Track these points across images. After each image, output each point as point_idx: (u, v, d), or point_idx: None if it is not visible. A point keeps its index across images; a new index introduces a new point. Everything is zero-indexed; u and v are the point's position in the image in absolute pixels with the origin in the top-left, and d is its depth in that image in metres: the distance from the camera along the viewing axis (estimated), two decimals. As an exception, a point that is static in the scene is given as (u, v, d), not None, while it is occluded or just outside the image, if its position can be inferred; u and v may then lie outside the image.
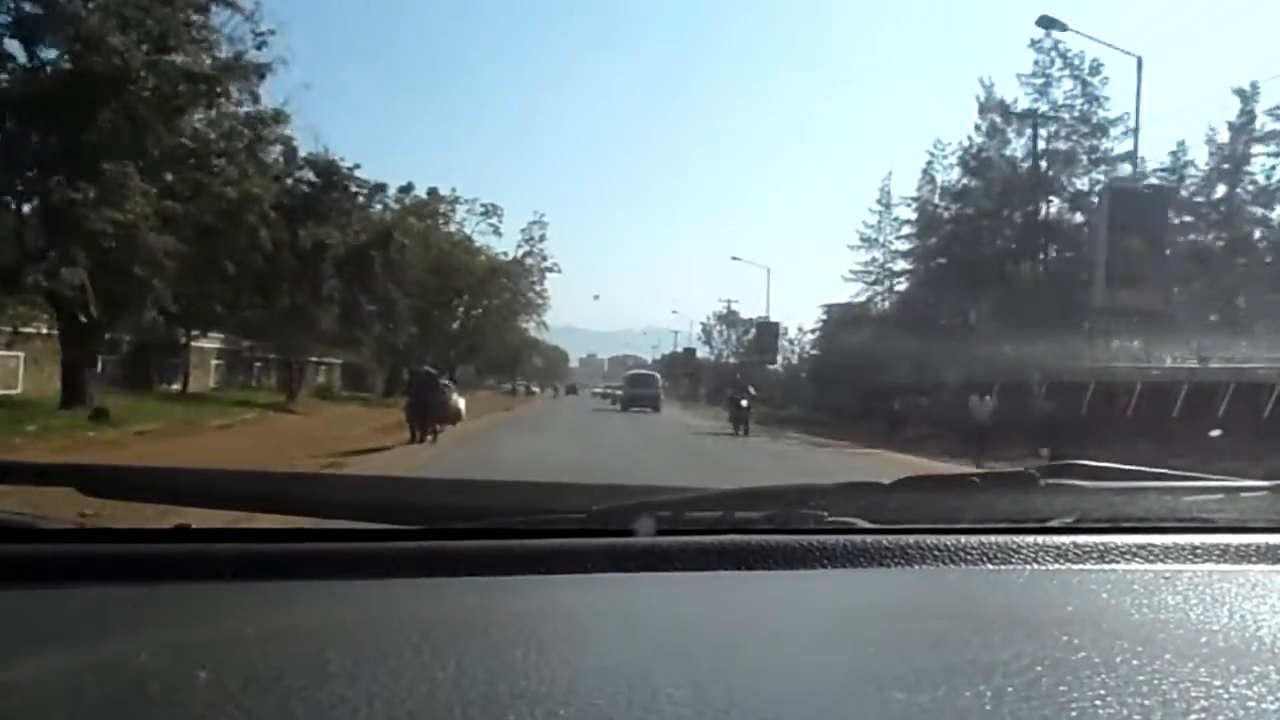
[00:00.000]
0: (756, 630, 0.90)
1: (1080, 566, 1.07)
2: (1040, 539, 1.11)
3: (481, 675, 0.72)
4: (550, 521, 1.15)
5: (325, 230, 29.81)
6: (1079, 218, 36.67)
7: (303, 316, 30.91)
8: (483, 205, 51.43)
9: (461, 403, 18.87)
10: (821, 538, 1.08)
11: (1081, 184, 36.81)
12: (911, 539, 1.09)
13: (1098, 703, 0.66)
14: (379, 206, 44.77)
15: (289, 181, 30.37)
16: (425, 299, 46.41)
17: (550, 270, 55.38)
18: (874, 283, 52.19)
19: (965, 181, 42.72)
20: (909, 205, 46.74)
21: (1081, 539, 1.12)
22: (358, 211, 34.05)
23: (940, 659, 0.79)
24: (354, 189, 32.65)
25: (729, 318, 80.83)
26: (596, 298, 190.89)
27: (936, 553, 1.07)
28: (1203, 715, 0.65)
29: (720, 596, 1.01)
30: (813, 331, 58.86)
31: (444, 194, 48.57)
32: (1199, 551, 1.10)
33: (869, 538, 1.10)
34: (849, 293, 50.45)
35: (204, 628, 0.87)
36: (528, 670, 0.72)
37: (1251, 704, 0.67)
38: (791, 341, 63.81)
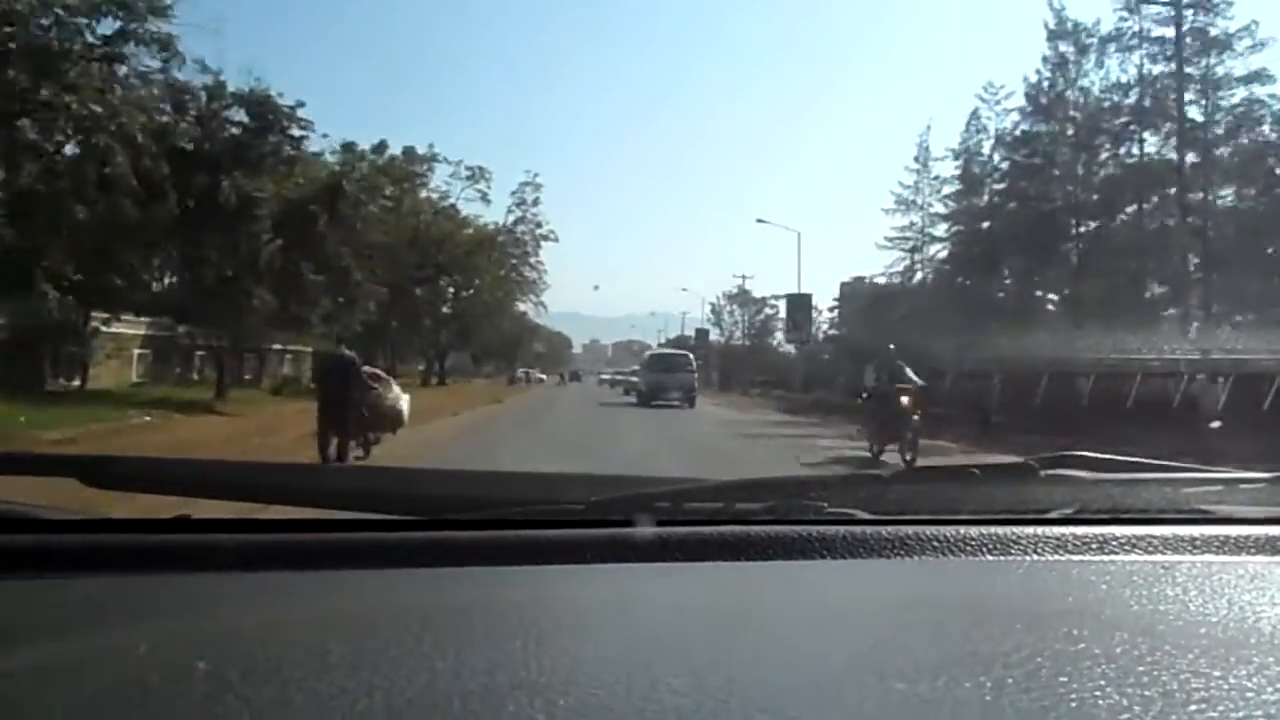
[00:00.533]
0: (756, 621, 0.90)
1: (1080, 558, 1.06)
2: (1040, 530, 1.10)
3: (481, 665, 0.72)
4: (549, 512, 1.14)
5: (259, 182, 23.67)
6: (1191, 157, 30.33)
7: (235, 291, 24.31)
8: (468, 168, 45.01)
9: (403, 401, 12.74)
10: (821, 528, 1.08)
11: (1194, 114, 30.44)
12: (911, 530, 1.09)
13: (1097, 694, 0.66)
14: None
15: (218, 125, 24.37)
16: (401, 274, 40.31)
17: (546, 239, 48.72)
18: (912, 250, 46.45)
19: (1027, 126, 36.47)
20: (955, 158, 40.63)
21: (1081, 530, 1.11)
22: (303, 162, 27.36)
23: (940, 650, 0.79)
24: (297, 132, 25.70)
25: (740, 297, 75.20)
26: (596, 288, 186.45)
27: (936, 544, 1.07)
28: (1202, 706, 0.65)
29: (720, 587, 1.01)
30: (830, 310, 52.72)
31: (421, 152, 42.15)
32: (1198, 543, 1.10)
33: (869, 529, 1.09)
34: (883, 262, 44.81)
35: (204, 618, 0.87)
36: (527, 660, 0.72)
37: (1251, 694, 0.67)
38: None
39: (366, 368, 12.85)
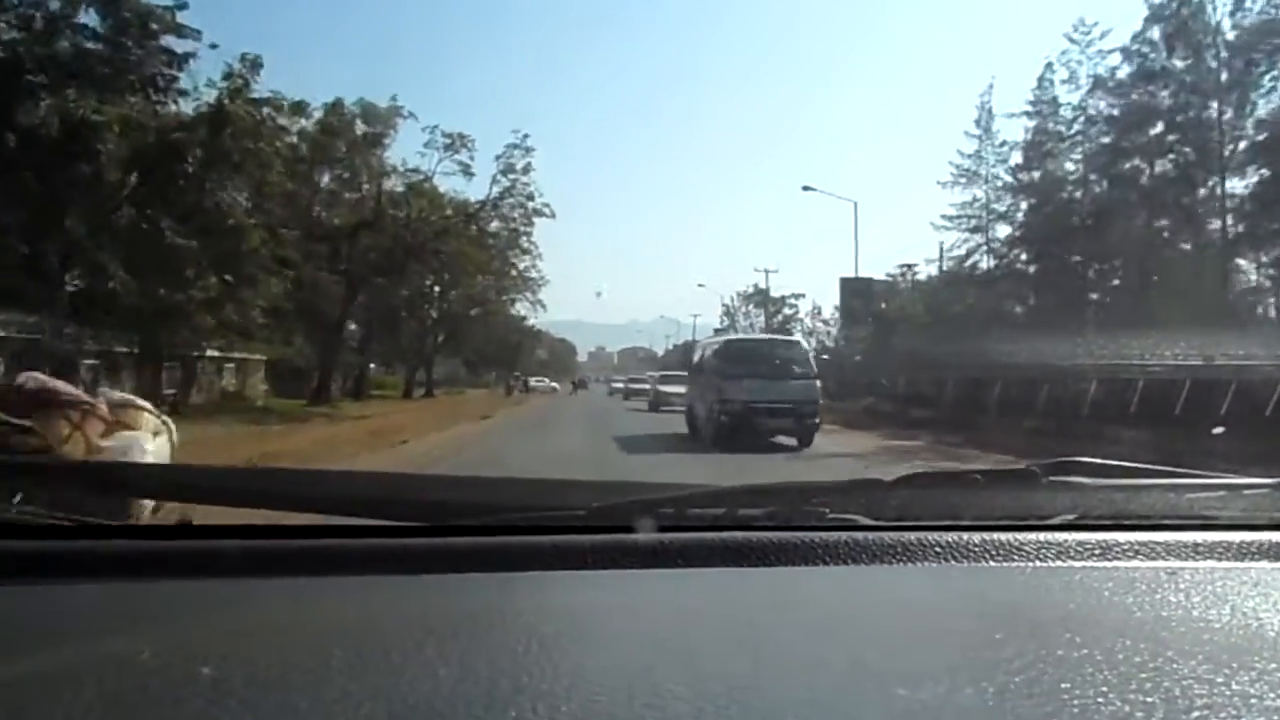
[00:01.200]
0: (758, 627, 0.90)
1: (1082, 564, 1.06)
2: (1042, 536, 1.10)
3: (484, 671, 0.72)
4: (551, 518, 1.13)
5: (115, 108, 16.19)
6: None
7: (81, 265, 16.64)
8: (445, 135, 34.58)
9: (145, 444, 4.64)
10: (823, 535, 1.08)
11: None
12: (913, 536, 1.08)
13: (1100, 700, 0.66)
14: (293, 135, 31.42)
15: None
16: (362, 260, 32.85)
17: (540, 214, 36.89)
18: (974, 229, 39.17)
19: (1132, 67, 28.94)
20: (1031, 116, 33.29)
21: (1084, 536, 1.10)
22: (194, 91, 19.07)
23: (942, 656, 0.79)
24: (176, 45, 17.99)
25: (756, 296, 67.80)
26: (599, 294, 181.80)
27: (938, 550, 1.06)
28: (1205, 712, 0.65)
29: (722, 593, 1.00)
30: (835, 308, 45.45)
31: (383, 107, 32.40)
32: (1201, 549, 1.09)
33: (871, 535, 1.09)
34: (944, 244, 37.56)
35: (207, 624, 0.87)
36: (529, 666, 0.72)
37: (1254, 700, 0.67)
38: (827, 320, 50.96)
39: (57, 382, 5.07)
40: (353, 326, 42.93)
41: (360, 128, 31.35)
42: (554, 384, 76.22)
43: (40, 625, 0.86)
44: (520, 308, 55.04)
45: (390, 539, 1.08)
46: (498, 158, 34.89)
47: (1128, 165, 29.48)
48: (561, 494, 1.29)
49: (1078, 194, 31.26)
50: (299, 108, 31.80)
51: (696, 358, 21.35)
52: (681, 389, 29.16)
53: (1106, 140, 30.45)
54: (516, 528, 1.10)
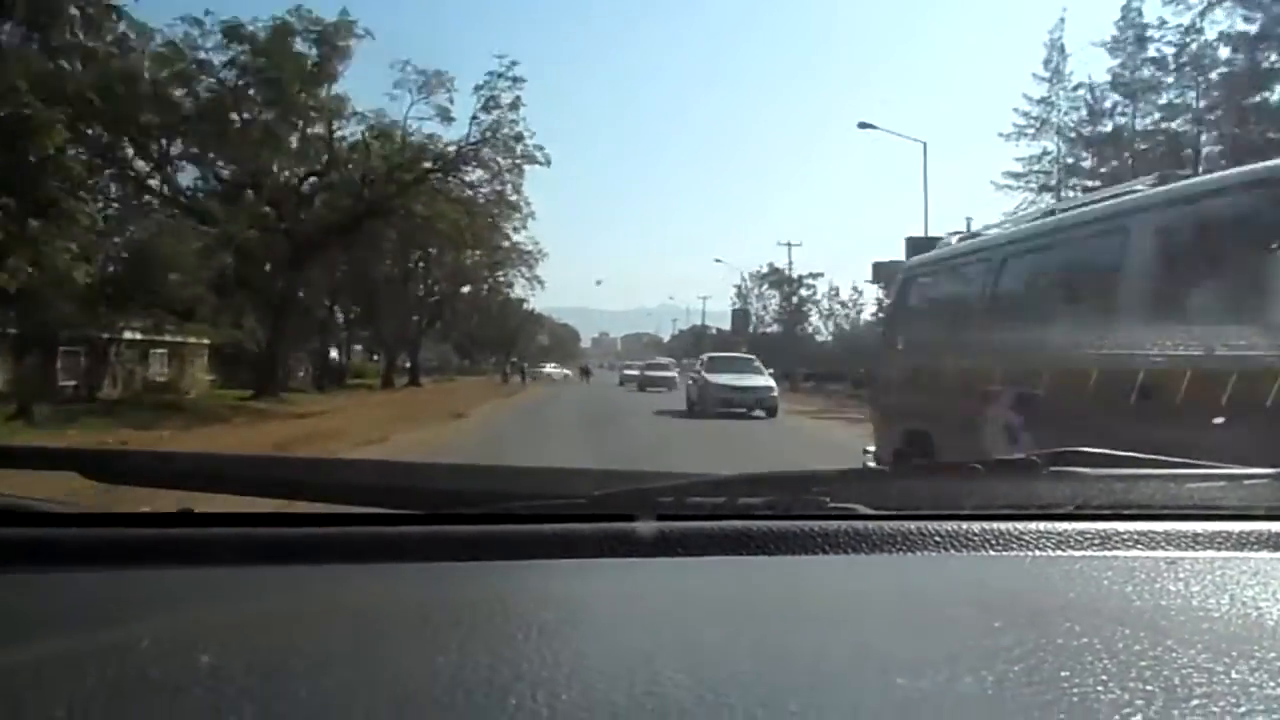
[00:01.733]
0: (758, 615, 0.91)
1: (1082, 553, 1.06)
2: (1042, 525, 1.10)
3: (483, 659, 0.73)
4: (551, 507, 1.14)
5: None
6: None
7: None
8: (419, 72, 28.07)
9: None
10: (823, 523, 1.08)
11: None
12: (914, 525, 1.09)
13: (1099, 688, 0.67)
14: (228, 72, 25.55)
15: None
16: (314, 222, 26.86)
17: (532, 159, 28.54)
18: (1043, 188, 33.36)
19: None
20: (1114, 51, 27.48)
21: (1083, 526, 1.11)
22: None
23: (942, 644, 0.79)
24: None
25: (772, 275, 61.74)
26: (599, 282, 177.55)
27: (938, 539, 1.07)
28: (1204, 701, 0.65)
29: (721, 582, 1.01)
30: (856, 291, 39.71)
31: (331, 21, 24.85)
32: (1201, 538, 1.10)
33: (871, 523, 1.09)
34: (1003, 208, 31.71)
35: (206, 612, 0.87)
36: (529, 654, 0.72)
37: (1253, 689, 0.67)
38: (845, 302, 50.26)
39: None
40: (336, 309, 36.82)
41: (309, 53, 25.20)
42: (565, 370, 70.47)
43: (38, 613, 0.86)
44: (518, 289, 49.33)
45: (390, 527, 1.08)
46: (478, 88, 27.52)
47: (1266, 95, 23.32)
48: (562, 482, 1.29)
49: (1186, 132, 25.21)
50: (233, 32, 25.69)
51: (950, 287, 6.72)
52: (752, 381, 19.05)
53: (1237, 65, 24.29)
54: (517, 516, 1.10)
